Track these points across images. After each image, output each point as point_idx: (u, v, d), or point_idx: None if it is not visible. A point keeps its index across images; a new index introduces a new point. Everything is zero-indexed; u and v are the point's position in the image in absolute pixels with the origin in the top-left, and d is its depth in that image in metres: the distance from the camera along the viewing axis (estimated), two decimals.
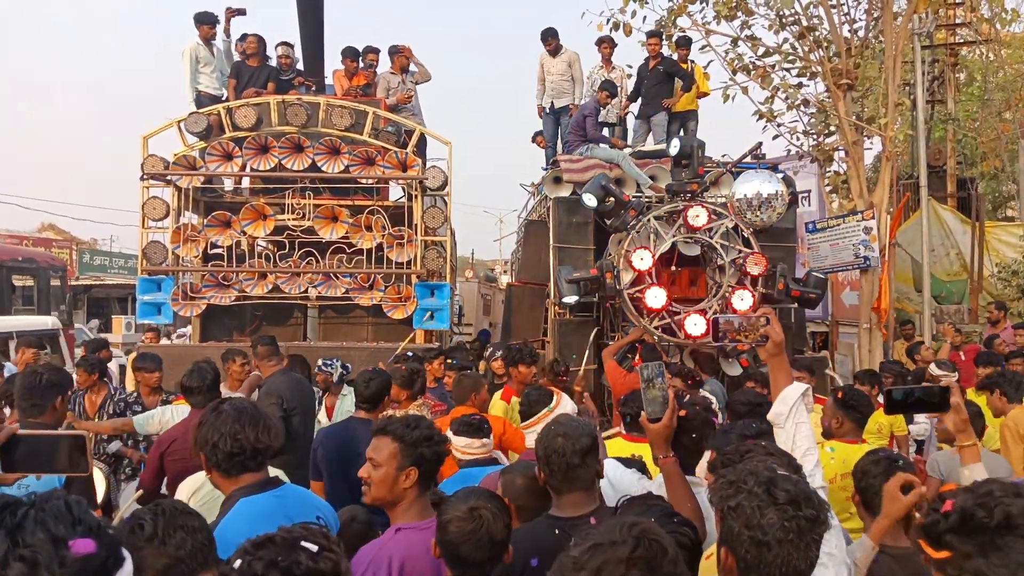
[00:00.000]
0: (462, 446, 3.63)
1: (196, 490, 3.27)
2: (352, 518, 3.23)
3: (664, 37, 10.60)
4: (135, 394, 6.13)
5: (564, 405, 3.60)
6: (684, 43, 10.43)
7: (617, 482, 2.96)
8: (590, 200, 7.36)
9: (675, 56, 10.45)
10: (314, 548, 1.54)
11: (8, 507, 1.22)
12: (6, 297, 13.60)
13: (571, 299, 7.48)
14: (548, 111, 10.59)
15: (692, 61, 10.49)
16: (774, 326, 2.45)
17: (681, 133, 10.07)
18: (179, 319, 8.95)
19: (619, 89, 10.40)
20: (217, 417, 2.61)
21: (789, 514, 1.63)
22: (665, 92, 10.05)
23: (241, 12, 9.54)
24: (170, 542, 1.91)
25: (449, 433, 3.56)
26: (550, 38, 10.39)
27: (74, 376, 5.61)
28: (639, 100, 10.37)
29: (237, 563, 1.48)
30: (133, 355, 8.93)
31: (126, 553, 1.33)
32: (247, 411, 2.65)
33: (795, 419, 2.33)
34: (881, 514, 2.47)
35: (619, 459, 3.27)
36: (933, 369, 7.18)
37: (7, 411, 5.17)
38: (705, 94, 10.64)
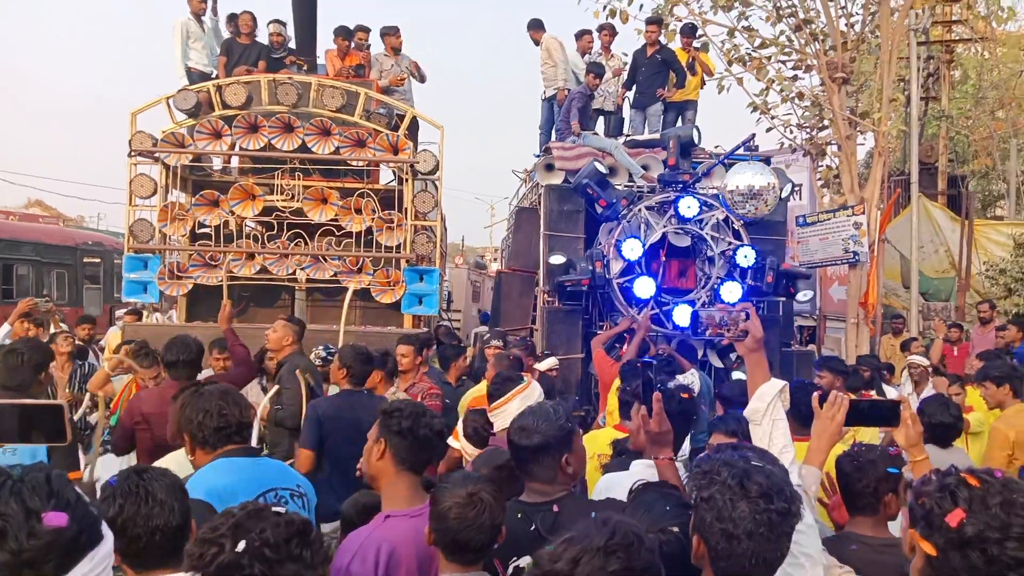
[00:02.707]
0: (471, 452, 3.68)
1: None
2: (377, 505, 3.20)
3: (662, 26, 10.55)
4: None
5: (532, 390, 3.57)
6: (689, 31, 10.36)
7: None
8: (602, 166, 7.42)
9: (673, 44, 10.40)
10: (282, 509, 1.53)
11: None
12: (80, 276, 15.53)
13: (559, 260, 7.61)
14: (543, 99, 10.54)
15: (695, 48, 10.44)
16: (754, 321, 2.44)
17: (679, 123, 10.04)
18: (165, 299, 8.86)
19: (616, 78, 10.33)
20: (200, 398, 2.70)
21: (760, 507, 1.64)
22: (661, 82, 10.00)
23: None
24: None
25: (461, 438, 3.65)
26: (533, 29, 10.30)
27: None
28: (634, 89, 10.31)
29: (241, 545, 1.43)
30: (113, 331, 8.89)
31: (107, 532, 1.33)
32: (230, 392, 2.77)
33: (772, 416, 2.32)
34: (815, 437, 2.48)
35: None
36: (913, 358, 7.25)
37: None
38: (710, 73, 10.56)
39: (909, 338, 9.98)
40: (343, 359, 4.53)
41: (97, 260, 16.35)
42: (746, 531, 1.63)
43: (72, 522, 1.25)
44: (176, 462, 3.24)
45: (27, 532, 1.20)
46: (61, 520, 1.23)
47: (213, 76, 8.99)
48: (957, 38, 17.02)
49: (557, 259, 7.80)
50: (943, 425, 4.01)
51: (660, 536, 1.88)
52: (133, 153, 8.07)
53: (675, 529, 1.89)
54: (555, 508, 2.42)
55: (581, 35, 10.63)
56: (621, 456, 3.33)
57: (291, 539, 1.46)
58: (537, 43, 10.30)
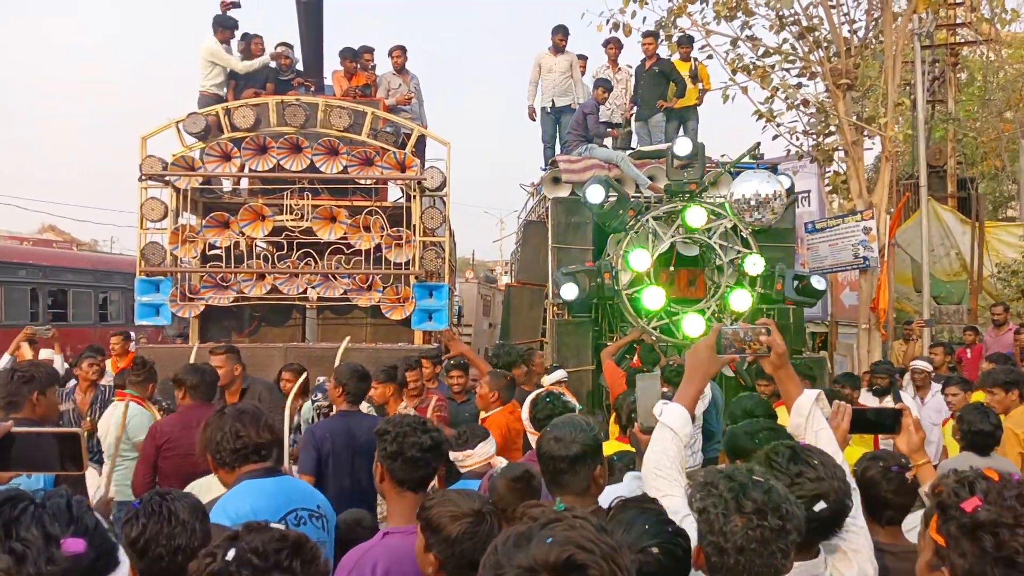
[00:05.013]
0: (453, 458, 3.66)
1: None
2: (358, 522, 3.23)
3: (664, 38, 10.61)
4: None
5: None
6: (686, 41, 10.45)
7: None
8: (595, 195, 7.33)
9: (675, 56, 10.46)
10: (282, 526, 1.57)
11: (9, 500, 1.25)
12: None
13: (571, 294, 7.45)
14: (549, 110, 10.58)
15: (695, 59, 10.49)
16: (775, 336, 2.41)
17: (681, 132, 10.07)
18: (177, 320, 8.91)
19: (624, 91, 10.41)
20: (220, 418, 2.78)
21: (753, 523, 1.65)
22: (660, 93, 10.05)
23: (236, 4, 9.50)
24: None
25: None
26: (560, 34, 10.38)
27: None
28: (638, 102, 10.37)
29: (231, 554, 1.47)
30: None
31: (123, 558, 1.35)
32: (248, 411, 2.82)
33: (813, 428, 2.30)
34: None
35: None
36: (916, 363, 7.22)
37: None
38: (707, 90, 10.64)
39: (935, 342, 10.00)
40: (339, 378, 4.46)
41: None
42: (736, 546, 1.64)
43: (90, 548, 1.25)
44: (206, 486, 3.31)
45: (46, 558, 1.21)
46: (79, 547, 1.24)
47: (224, 99, 9.09)
48: (962, 41, 16.98)
49: (570, 293, 7.64)
50: (982, 433, 3.96)
51: (639, 556, 1.84)
52: (144, 177, 8.15)
53: (654, 550, 1.85)
54: None
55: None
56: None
57: (281, 550, 1.48)
58: (560, 48, 10.37)
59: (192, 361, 5.71)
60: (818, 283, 7.57)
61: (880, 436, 4.76)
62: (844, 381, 6.47)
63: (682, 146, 7.63)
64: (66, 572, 1.22)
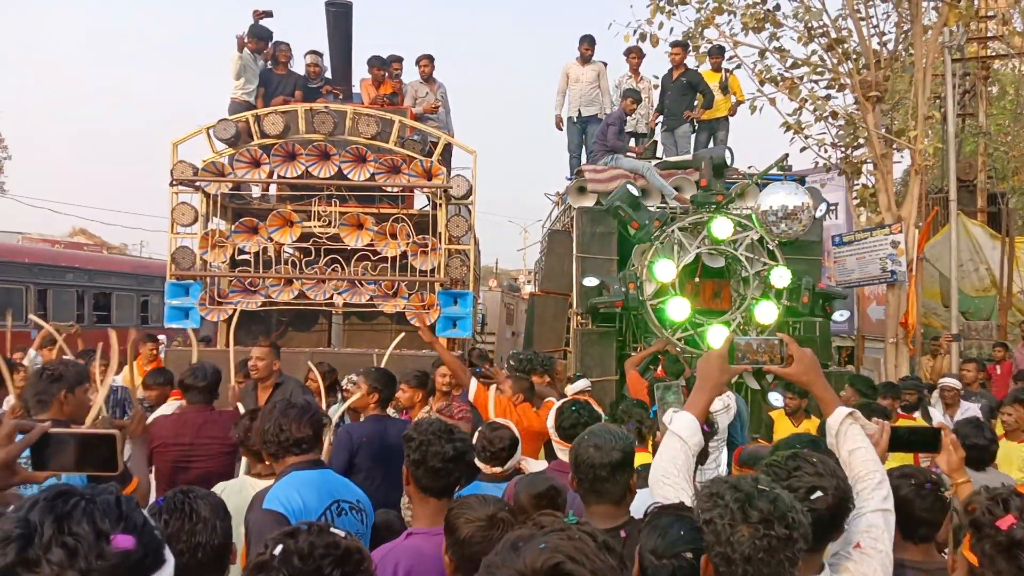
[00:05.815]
0: (481, 467, 3.65)
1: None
2: (387, 525, 3.25)
3: (691, 48, 10.60)
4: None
5: None
6: (716, 51, 10.43)
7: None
8: (635, 188, 7.49)
9: (703, 66, 10.45)
10: (342, 532, 1.59)
11: (61, 495, 1.27)
12: None
13: (592, 283, 7.64)
14: (576, 120, 10.60)
15: (726, 70, 10.46)
16: (794, 349, 2.35)
17: (711, 143, 10.05)
18: (206, 324, 9.00)
19: (647, 100, 10.40)
20: (270, 412, 3.02)
21: (760, 533, 1.64)
22: (687, 104, 10.03)
23: (268, 14, 9.63)
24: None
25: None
26: (587, 43, 10.41)
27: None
28: (664, 113, 10.36)
29: (278, 550, 1.52)
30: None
31: (168, 556, 1.36)
32: (296, 406, 3.02)
33: (847, 447, 2.25)
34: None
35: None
36: (945, 381, 7.15)
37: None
38: (740, 102, 10.60)
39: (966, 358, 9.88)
40: (375, 384, 4.49)
41: None
42: (743, 555, 1.64)
43: (139, 546, 1.26)
44: (237, 487, 3.36)
45: (96, 553, 1.21)
46: (129, 543, 1.25)
47: (255, 106, 9.21)
48: (993, 54, 16.77)
49: (591, 281, 7.80)
50: (977, 447, 3.94)
51: (673, 562, 1.86)
52: (175, 182, 8.27)
53: (688, 555, 1.86)
54: (622, 534, 2.39)
55: None
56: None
57: (327, 556, 1.50)
58: (587, 58, 10.40)
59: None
60: (840, 315, 7.59)
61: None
62: (884, 391, 6.37)
63: (727, 156, 7.71)
64: (115, 568, 1.23)
